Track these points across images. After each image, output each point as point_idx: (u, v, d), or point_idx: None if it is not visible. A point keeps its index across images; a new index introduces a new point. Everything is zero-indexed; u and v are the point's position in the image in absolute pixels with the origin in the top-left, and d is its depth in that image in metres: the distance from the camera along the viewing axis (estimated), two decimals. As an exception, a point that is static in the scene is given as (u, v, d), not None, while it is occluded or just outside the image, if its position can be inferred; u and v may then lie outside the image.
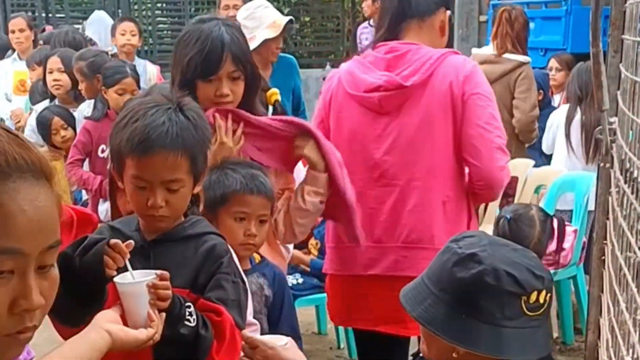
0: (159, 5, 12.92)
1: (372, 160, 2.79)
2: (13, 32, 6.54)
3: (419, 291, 1.73)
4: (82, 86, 4.71)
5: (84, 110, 4.70)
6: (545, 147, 5.34)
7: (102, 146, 4.31)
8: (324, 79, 10.31)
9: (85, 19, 12.39)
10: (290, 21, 4.47)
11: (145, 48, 11.97)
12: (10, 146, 1.07)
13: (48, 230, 1.09)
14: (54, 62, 5.03)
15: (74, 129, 4.75)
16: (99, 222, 2.23)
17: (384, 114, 2.77)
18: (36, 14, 11.99)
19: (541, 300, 1.66)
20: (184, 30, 2.51)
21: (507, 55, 5.22)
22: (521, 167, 5.05)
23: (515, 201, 4.93)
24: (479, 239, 1.73)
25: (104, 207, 4.01)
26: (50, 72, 5.02)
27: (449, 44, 9.61)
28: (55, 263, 1.12)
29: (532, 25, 9.33)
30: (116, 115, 4.12)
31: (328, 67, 12.80)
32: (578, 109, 5.04)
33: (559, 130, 5.13)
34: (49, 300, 1.11)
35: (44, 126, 4.83)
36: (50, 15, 11.97)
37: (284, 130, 2.52)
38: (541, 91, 5.59)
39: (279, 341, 2.12)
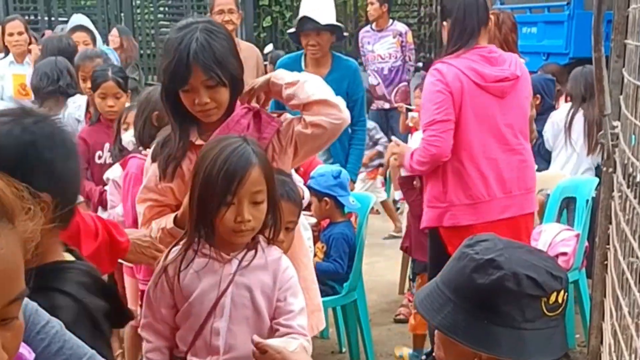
0: (161, 9, 12.95)
1: (500, 134, 3.59)
2: (11, 34, 6.46)
3: (436, 298, 1.73)
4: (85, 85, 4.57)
5: (72, 112, 4.61)
6: (547, 145, 5.37)
7: (99, 152, 4.25)
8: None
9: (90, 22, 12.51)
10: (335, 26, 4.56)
11: (148, 52, 12.01)
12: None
13: (8, 281, 0.95)
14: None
15: None
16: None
17: (503, 98, 3.58)
18: (38, 17, 12.04)
19: (560, 300, 1.67)
20: (166, 38, 2.49)
21: None
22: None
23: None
24: (494, 243, 1.73)
25: (104, 217, 4.00)
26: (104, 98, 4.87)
27: None
28: (20, 314, 0.99)
29: (534, 29, 9.38)
30: (108, 122, 4.13)
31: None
32: (580, 108, 5.19)
33: (559, 126, 5.25)
34: (13, 352, 0.99)
35: None
36: (52, 18, 11.99)
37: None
38: (538, 95, 5.58)
39: (289, 345, 2.12)
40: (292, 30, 4.77)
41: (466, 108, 3.53)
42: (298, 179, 2.90)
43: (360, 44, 8.34)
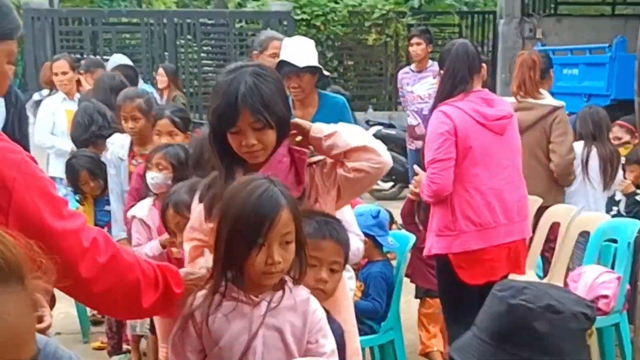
0: (204, 48, 13.14)
1: (501, 166, 3.94)
2: (56, 74, 6.63)
3: (485, 352, 1.72)
4: (137, 124, 4.62)
5: (116, 150, 4.62)
6: None
7: None
8: (367, 122, 10.31)
9: (134, 60, 12.73)
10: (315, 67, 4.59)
11: (191, 90, 12.19)
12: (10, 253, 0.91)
13: (16, 349, 0.89)
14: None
15: (104, 178, 4.76)
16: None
17: (502, 134, 3.96)
18: (84, 55, 12.29)
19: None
20: (217, 80, 2.52)
21: (541, 101, 5.25)
22: (563, 212, 5.02)
23: (557, 247, 4.89)
24: (536, 289, 1.73)
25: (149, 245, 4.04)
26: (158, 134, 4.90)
27: (492, 88, 9.73)
28: None
29: (575, 71, 9.37)
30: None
31: (370, 109, 12.89)
32: (593, 146, 5.39)
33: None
34: None
35: (72, 176, 4.86)
36: (98, 56, 12.24)
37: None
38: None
39: None
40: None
41: (471, 144, 3.89)
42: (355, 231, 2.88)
43: (399, 85, 8.37)
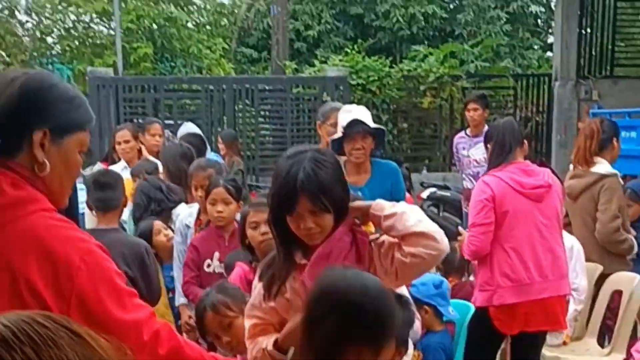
0: (262, 113, 13.42)
1: (538, 230, 4.37)
2: (119, 143, 6.82)
3: None
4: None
5: (184, 219, 4.76)
6: None
7: (208, 260, 4.36)
8: (421, 183, 10.34)
9: (194, 124, 13.04)
10: (378, 129, 4.73)
11: (248, 153, 12.41)
12: (74, 352, 0.97)
13: None
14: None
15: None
16: None
17: (538, 201, 4.41)
18: (146, 120, 12.66)
19: None
20: (276, 164, 2.59)
21: (593, 168, 5.30)
22: (625, 280, 4.99)
23: (619, 316, 4.86)
24: None
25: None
26: (214, 204, 4.93)
27: (548, 150, 9.90)
28: None
29: (634, 134, 9.33)
30: (219, 231, 4.31)
31: (424, 171, 12.96)
32: None
33: None
34: None
35: (144, 234, 4.96)
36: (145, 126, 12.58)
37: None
38: (632, 202, 5.62)
39: None
40: (338, 135, 4.79)
41: (507, 209, 4.39)
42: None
43: (454, 149, 8.44)
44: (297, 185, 2.39)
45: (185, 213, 4.79)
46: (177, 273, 4.67)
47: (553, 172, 4.67)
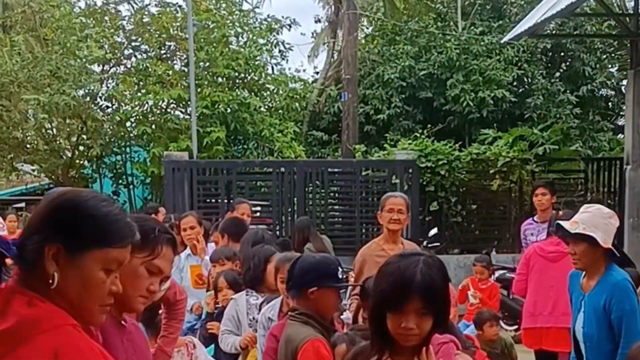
0: (331, 194, 13.61)
1: (553, 280, 6.64)
2: (184, 230, 6.98)
3: None
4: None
5: (266, 312, 4.80)
6: None
7: None
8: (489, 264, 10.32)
9: (265, 205, 13.32)
10: None
11: (309, 234, 12.55)
12: None
13: None
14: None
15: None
16: None
17: (556, 262, 6.68)
18: (219, 202, 12.98)
19: None
20: (385, 262, 2.66)
21: None
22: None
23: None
24: None
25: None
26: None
27: (621, 233, 10.08)
28: None
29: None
30: None
31: (494, 252, 12.88)
32: None
33: None
34: None
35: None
36: (231, 202, 12.87)
37: None
38: None
39: None
40: None
41: (533, 266, 7.00)
42: None
43: (522, 235, 8.45)
44: (414, 286, 2.47)
45: (267, 306, 4.84)
46: None
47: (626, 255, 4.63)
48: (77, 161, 17.00)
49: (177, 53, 17.69)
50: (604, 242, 4.22)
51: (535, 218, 8.36)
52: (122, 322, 2.66)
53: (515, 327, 10.18)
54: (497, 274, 10.32)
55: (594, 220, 4.24)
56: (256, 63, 17.18)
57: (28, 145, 17.30)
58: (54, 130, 16.90)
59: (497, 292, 9.29)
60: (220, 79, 17.10)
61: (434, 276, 2.51)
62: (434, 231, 10.81)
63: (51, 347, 1.86)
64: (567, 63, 19.16)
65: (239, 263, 5.93)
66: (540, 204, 8.21)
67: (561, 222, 4.45)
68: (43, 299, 1.94)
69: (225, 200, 12.78)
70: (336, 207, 13.99)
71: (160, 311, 4.16)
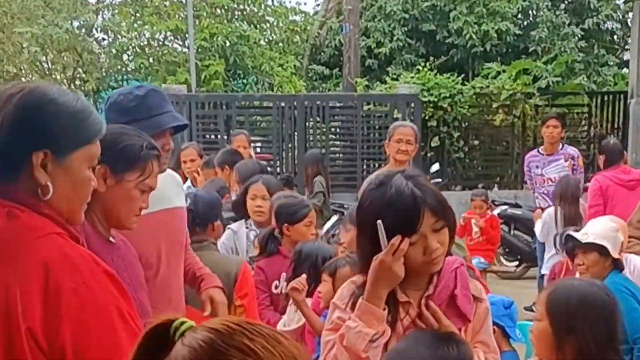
0: (332, 129, 13.45)
1: (631, 208, 5.51)
2: (185, 162, 6.96)
3: None
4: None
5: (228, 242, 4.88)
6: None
7: (275, 282, 4.36)
8: (493, 201, 10.21)
9: (265, 141, 13.17)
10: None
11: (320, 168, 12.44)
12: (301, 353, 1.16)
13: None
14: (259, 189, 5.02)
15: None
16: None
17: (633, 190, 6.80)
18: (218, 137, 12.82)
19: None
20: (365, 198, 2.40)
21: None
22: None
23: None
24: None
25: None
26: (253, 199, 5.01)
27: None
28: None
29: None
30: (289, 252, 4.27)
31: (496, 188, 12.79)
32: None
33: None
34: None
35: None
36: (231, 138, 12.71)
37: None
38: None
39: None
40: None
41: (612, 195, 6.86)
42: None
43: (526, 168, 8.31)
44: (418, 201, 2.25)
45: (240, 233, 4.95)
46: None
47: None
48: (74, 95, 16.77)
49: (174, -17, 17.35)
50: (614, 252, 4.21)
51: (540, 150, 8.19)
52: (111, 238, 2.60)
53: (516, 263, 10.14)
54: (498, 209, 10.22)
55: (603, 232, 4.26)
56: (255, -7, 16.86)
57: (22, 79, 17.07)
58: (49, 63, 16.67)
59: (497, 224, 9.22)
60: (218, 10, 16.79)
61: (426, 185, 2.33)
62: (435, 167, 10.64)
63: (40, 258, 1.77)
64: (573, -6, 18.80)
65: (227, 196, 5.80)
66: (550, 137, 8.03)
67: (572, 233, 4.41)
68: (23, 208, 1.83)
69: (225, 136, 12.62)
70: (337, 142, 13.84)
71: None
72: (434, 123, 12.67)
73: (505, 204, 10.68)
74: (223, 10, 16.81)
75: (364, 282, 2.36)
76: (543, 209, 7.97)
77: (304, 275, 3.87)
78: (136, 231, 2.75)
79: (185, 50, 16.07)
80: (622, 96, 13.13)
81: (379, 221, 2.27)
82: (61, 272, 1.76)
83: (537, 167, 8.09)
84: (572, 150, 8.19)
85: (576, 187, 7.12)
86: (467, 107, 12.95)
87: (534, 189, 8.22)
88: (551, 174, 7.95)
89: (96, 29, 16.45)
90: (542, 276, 7.56)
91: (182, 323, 1.19)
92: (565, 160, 7.95)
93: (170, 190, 3.25)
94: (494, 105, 12.90)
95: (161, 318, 1.21)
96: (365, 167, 12.90)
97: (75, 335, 1.74)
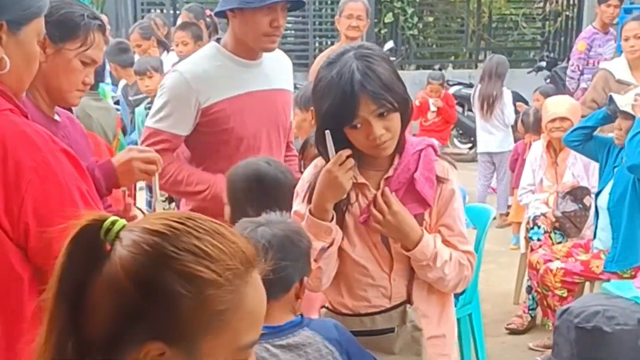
0: (283, 4, 13.02)
1: None
2: (139, 46, 6.86)
3: None
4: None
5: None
6: None
7: None
8: (447, 81, 10.09)
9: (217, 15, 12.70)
10: None
11: (270, 46, 12.12)
12: (244, 243, 1.12)
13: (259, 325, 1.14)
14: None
15: None
16: None
17: None
18: (164, 12, 12.34)
19: None
20: (317, 77, 2.27)
21: None
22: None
23: None
24: None
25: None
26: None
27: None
28: None
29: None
30: None
31: (450, 68, 12.62)
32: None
33: None
34: None
35: None
36: (178, 12, 12.24)
37: None
38: None
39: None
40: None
41: None
42: None
43: (587, 46, 7.56)
44: (355, 87, 2.11)
45: None
46: None
47: None
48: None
49: None
50: None
51: (596, 26, 7.61)
52: (56, 116, 2.51)
53: (470, 145, 10.11)
54: (453, 89, 10.10)
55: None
56: None
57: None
58: None
59: (453, 102, 9.16)
60: None
61: (375, 67, 2.15)
62: (389, 45, 10.40)
63: None
64: None
65: None
66: (611, 17, 7.54)
67: (614, 97, 4.40)
68: None
69: (172, 11, 12.17)
70: (287, 17, 13.40)
71: None
72: (388, -2, 12.35)
73: (459, 83, 10.56)
74: None
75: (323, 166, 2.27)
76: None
77: None
78: (236, 109, 2.94)
79: None
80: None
81: (327, 131, 2.18)
82: (19, 149, 1.73)
83: (599, 45, 7.53)
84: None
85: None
86: (421, -19, 12.63)
87: (582, 70, 7.53)
88: (607, 54, 7.43)
89: None
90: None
91: (113, 223, 1.10)
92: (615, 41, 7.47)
93: (277, 71, 3.22)
94: (449, -21, 12.59)
95: (86, 218, 1.11)
96: (317, 44, 12.60)
97: (38, 214, 1.74)
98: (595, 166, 5.05)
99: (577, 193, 5.07)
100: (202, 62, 3.12)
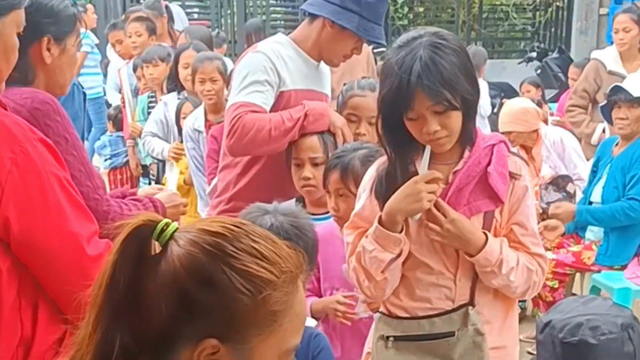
0: (272, -8, 13.00)
1: None
2: (130, 36, 6.71)
3: None
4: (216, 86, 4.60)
5: (191, 124, 4.55)
6: None
7: None
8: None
9: (202, 7, 12.67)
10: None
11: (261, 37, 12.08)
12: (292, 250, 1.16)
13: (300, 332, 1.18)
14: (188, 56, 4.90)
15: None
16: None
17: None
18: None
19: None
20: (386, 58, 2.22)
21: None
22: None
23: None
24: None
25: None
26: (186, 68, 4.90)
27: (568, 36, 9.52)
28: None
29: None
30: None
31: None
32: None
33: None
34: None
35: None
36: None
37: None
38: None
39: None
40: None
41: None
42: None
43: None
44: (412, 79, 2.03)
45: (190, 117, 4.58)
46: (195, 179, 4.52)
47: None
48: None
49: None
50: None
51: None
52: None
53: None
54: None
55: None
56: None
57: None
58: None
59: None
60: None
61: (440, 60, 2.05)
62: (379, 35, 10.38)
63: None
64: None
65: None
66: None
67: (624, 85, 4.27)
68: None
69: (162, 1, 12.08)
70: (278, 9, 13.43)
71: None
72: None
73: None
74: None
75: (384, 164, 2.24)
76: None
77: None
78: (299, 101, 3.02)
79: None
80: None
81: (428, 146, 2.13)
82: None
83: None
84: None
85: None
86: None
87: None
88: None
89: None
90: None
91: (167, 225, 1.13)
92: None
93: (326, 76, 3.33)
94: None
95: (140, 218, 1.14)
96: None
97: (18, 205, 1.74)
98: (570, 154, 5.11)
99: (558, 182, 5.05)
100: (281, 50, 3.12)
